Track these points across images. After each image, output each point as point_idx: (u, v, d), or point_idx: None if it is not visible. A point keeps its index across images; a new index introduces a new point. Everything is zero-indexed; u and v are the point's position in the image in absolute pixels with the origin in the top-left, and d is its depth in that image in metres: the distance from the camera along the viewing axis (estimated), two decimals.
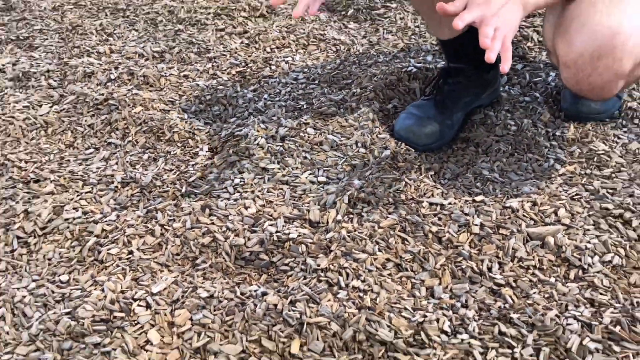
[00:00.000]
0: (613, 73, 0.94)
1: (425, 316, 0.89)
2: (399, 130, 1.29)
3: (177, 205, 1.13)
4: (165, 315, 0.90)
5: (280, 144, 1.28)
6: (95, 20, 1.92)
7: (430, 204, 1.11)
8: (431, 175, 1.18)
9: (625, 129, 1.30)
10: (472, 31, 1.26)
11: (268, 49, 1.74)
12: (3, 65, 1.65)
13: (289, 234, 1.04)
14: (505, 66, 0.89)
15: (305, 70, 1.61)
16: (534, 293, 0.93)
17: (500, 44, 0.90)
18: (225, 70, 1.63)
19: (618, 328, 0.86)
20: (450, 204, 1.11)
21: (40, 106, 1.45)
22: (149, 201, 1.15)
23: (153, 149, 1.30)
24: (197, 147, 1.31)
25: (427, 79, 1.49)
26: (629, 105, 1.36)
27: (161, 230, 1.07)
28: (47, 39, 1.82)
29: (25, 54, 1.72)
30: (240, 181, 1.18)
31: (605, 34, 0.93)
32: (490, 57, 0.88)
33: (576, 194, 1.12)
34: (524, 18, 0.99)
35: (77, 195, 1.15)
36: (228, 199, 1.14)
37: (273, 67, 1.64)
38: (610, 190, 1.12)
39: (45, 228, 1.08)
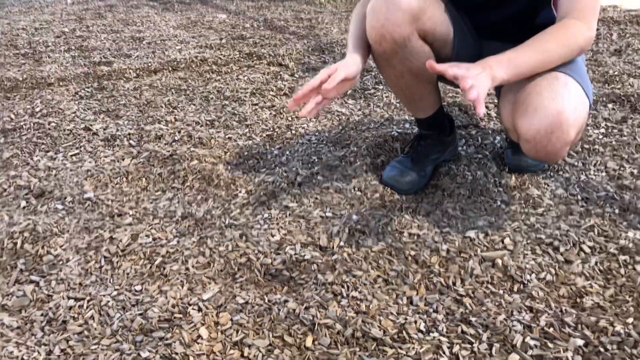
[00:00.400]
0: (563, 142, 0.93)
1: (406, 319, 0.89)
2: (385, 179, 1.29)
3: (222, 234, 1.13)
4: (212, 316, 0.90)
5: (298, 188, 1.29)
6: (164, 97, 1.95)
7: (410, 234, 1.11)
8: (410, 213, 1.19)
9: (552, 179, 1.30)
10: (437, 112, 1.30)
11: (289, 118, 1.75)
12: (97, 129, 1.67)
13: (304, 256, 1.04)
14: (479, 109, 0.85)
15: (317, 134, 1.63)
16: (488, 302, 0.92)
17: (477, 94, 0.85)
18: (258, 134, 1.64)
19: (551, 329, 0.85)
20: (424, 234, 1.11)
21: (123, 159, 1.47)
22: (202, 230, 1.15)
23: (205, 192, 1.30)
24: (237, 190, 1.31)
25: (406, 141, 1.50)
26: None
27: (210, 252, 1.07)
28: (129, 110, 1.84)
29: (113, 121, 1.75)
30: (269, 216, 1.19)
31: (554, 115, 0.91)
32: (471, 97, 0.84)
33: (517, 227, 1.11)
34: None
35: (149, 226, 1.16)
36: (259, 229, 1.14)
37: (293, 132, 1.65)
38: (543, 224, 1.12)
39: (124, 250, 1.08)
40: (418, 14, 1.06)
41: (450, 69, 0.89)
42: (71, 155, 1.50)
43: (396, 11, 1.05)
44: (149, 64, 2.33)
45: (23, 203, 1.25)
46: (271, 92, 1.97)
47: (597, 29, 2.47)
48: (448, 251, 1.04)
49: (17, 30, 3.08)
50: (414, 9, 1.05)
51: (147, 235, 1.12)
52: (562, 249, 1.03)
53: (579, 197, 1.20)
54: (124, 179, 1.37)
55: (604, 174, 1.30)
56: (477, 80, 0.89)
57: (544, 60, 0.97)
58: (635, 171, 1.29)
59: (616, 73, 1.93)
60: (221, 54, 2.45)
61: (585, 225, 1.10)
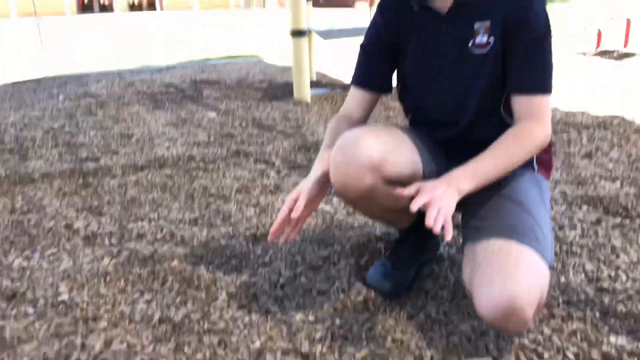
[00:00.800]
0: (522, 321, 0.92)
1: None
2: (369, 281, 1.31)
3: (200, 340, 1.12)
4: None
5: (281, 290, 1.30)
6: (149, 194, 1.99)
7: (393, 339, 1.11)
8: (393, 316, 1.19)
9: None
10: (417, 220, 1.33)
11: (274, 217, 1.79)
12: (78, 227, 1.69)
13: None
14: (448, 236, 0.92)
15: (300, 232, 1.65)
16: None
17: (443, 220, 0.92)
18: (241, 232, 1.66)
19: None
20: (407, 339, 1.11)
21: (102, 259, 1.48)
22: (179, 336, 1.13)
23: (184, 294, 1.29)
24: (218, 292, 1.30)
25: (389, 242, 1.54)
26: None
27: None
28: (112, 208, 1.87)
29: (95, 219, 1.77)
30: (249, 320, 1.18)
31: (506, 302, 0.89)
32: (436, 231, 0.92)
33: (501, 332, 1.12)
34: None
35: (124, 331, 1.14)
36: (239, 334, 1.13)
37: None
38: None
39: (96, 358, 1.05)
40: (380, 164, 1.08)
41: (415, 200, 0.94)
42: (48, 255, 1.51)
43: (356, 166, 1.07)
44: (136, 161, 2.41)
45: None
46: (257, 190, 2.03)
47: (569, 133, 2.68)
48: (432, 357, 1.04)
49: (6, 126, 3.19)
50: (375, 160, 1.07)
51: (122, 342, 1.10)
52: (546, 355, 1.04)
53: (560, 299, 1.23)
54: (102, 280, 1.36)
55: (582, 275, 1.34)
56: (442, 200, 0.96)
57: (506, 165, 1.06)
58: (612, 273, 1.34)
59: (588, 175, 2.06)
60: (209, 152, 2.55)
61: (567, 330, 1.12)
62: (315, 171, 1.17)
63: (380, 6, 1.24)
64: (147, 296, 1.29)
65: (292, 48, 3.73)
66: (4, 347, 1.07)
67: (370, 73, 1.26)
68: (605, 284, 1.29)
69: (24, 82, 5.20)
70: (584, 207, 1.77)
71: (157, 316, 1.20)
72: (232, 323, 1.17)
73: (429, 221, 0.91)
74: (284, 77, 5.08)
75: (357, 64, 1.29)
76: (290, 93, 4.12)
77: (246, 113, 3.47)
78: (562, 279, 1.33)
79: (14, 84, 5.12)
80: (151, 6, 21.69)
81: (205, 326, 1.16)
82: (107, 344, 1.09)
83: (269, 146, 2.64)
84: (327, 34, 4.29)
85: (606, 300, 1.23)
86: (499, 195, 1.09)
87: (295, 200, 1.11)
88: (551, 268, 1.38)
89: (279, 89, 4.40)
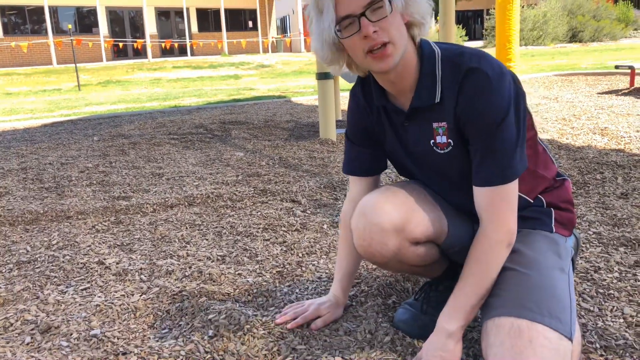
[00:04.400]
0: None
1: None
2: (397, 322, 1.30)
3: None
4: None
5: (307, 329, 1.31)
6: (178, 232, 2.06)
7: None
8: None
9: None
10: (450, 267, 1.34)
11: (300, 255, 1.82)
12: (110, 263, 1.76)
13: None
14: None
15: (327, 271, 1.67)
16: None
17: None
18: (268, 270, 1.69)
19: None
20: None
21: (133, 295, 1.52)
22: None
23: (211, 331, 1.32)
24: (244, 329, 1.30)
25: (417, 283, 1.54)
26: None
27: None
28: (142, 245, 1.94)
29: (126, 255, 1.84)
30: (276, 359, 1.19)
31: None
32: None
33: None
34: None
35: None
36: None
37: (303, 269, 1.70)
38: None
39: None
40: (403, 226, 1.09)
41: None
42: (82, 290, 1.57)
43: (379, 231, 1.08)
44: (166, 199, 2.50)
45: (28, 339, 1.29)
46: (283, 228, 2.07)
47: (602, 172, 2.64)
48: None
49: (44, 165, 3.36)
50: (397, 223, 1.08)
51: None
52: None
53: (597, 345, 1.20)
54: (132, 315, 1.40)
55: (621, 320, 1.31)
56: (446, 357, 1.03)
57: (481, 285, 1.05)
58: None
59: (625, 216, 2.03)
60: (236, 190, 2.63)
61: None
62: (334, 290, 1.36)
63: (351, 94, 1.26)
64: (175, 332, 1.31)
65: (318, 89, 3.86)
66: None
67: (361, 161, 1.27)
68: None
69: (62, 123, 5.49)
70: (621, 249, 1.74)
71: (184, 352, 1.22)
72: None
73: None
74: (310, 117, 5.21)
75: (346, 152, 1.30)
76: (316, 132, 4.22)
77: (273, 152, 3.56)
78: (600, 323, 1.29)
79: (53, 124, 5.40)
80: (182, 51, 22.73)
81: None
82: None
83: (295, 185, 2.69)
84: (350, 77, 4.41)
85: None
86: (510, 266, 1.07)
87: (302, 312, 1.31)
88: (588, 311, 1.35)
89: (305, 129, 4.51)
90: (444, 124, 1.09)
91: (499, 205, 1.05)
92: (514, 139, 1.04)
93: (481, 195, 1.07)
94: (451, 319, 1.05)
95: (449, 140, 1.10)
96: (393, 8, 1.00)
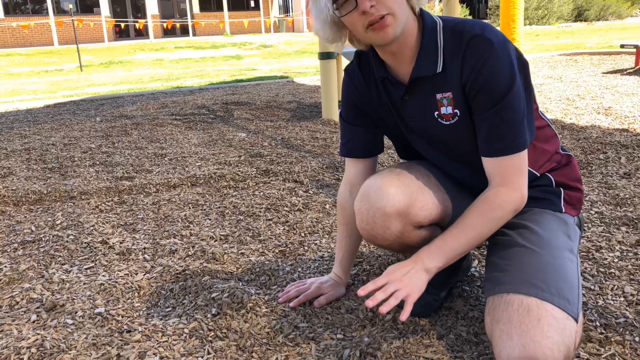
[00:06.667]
0: None
1: None
2: None
3: (230, 356, 1.14)
4: None
5: (309, 307, 1.32)
6: (181, 212, 2.06)
7: (423, 358, 1.11)
8: (423, 336, 1.19)
9: None
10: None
11: (302, 234, 1.82)
12: (113, 243, 1.76)
13: None
14: (403, 316, 0.96)
15: (329, 250, 1.68)
16: None
17: (397, 300, 0.97)
18: (271, 249, 1.70)
19: None
20: (438, 358, 1.10)
21: (137, 274, 1.53)
22: (210, 351, 1.16)
23: (214, 309, 1.32)
24: (247, 308, 1.32)
25: None
26: None
27: None
28: (146, 224, 1.95)
29: (130, 235, 1.85)
30: (278, 336, 1.20)
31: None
32: (402, 317, 0.96)
33: None
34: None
35: (157, 343, 1.18)
36: (266, 350, 1.15)
37: (306, 248, 1.71)
38: None
39: None
40: (407, 210, 1.08)
41: (366, 286, 0.99)
42: (86, 269, 1.57)
43: (382, 215, 1.08)
44: (169, 180, 2.49)
45: (34, 317, 1.30)
46: (285, 208, 2.07)
47: (605, 152, 2.62)
48: None
49: (47, 146, 3.36)
50: (400, 207, 1.07)
51: (155, 354, 1.14)
52: None
53: (598, 323, 1.20)
54: (136, 294, 1.41)
55: (622, 299, 1.31)
56: (402, 282, 0.99)
57: (474, 237, 1.04)
58: None
59: (627, 196, 2.01)
60: (239, 170, 2.62)
61: (605, 354, 1.09)
62: (333, 271, 1.37)
63: (346, 73, 1.23)
64: (178, 310, 1.32)
65: (321, 70, 3.81)
66: (44, 355, 1.13)
67: (356, 142, 1.25)
68: None
69: (64, 104, 5.47)
70: (623, 229, 1.73)
71: (187, 330, 1.23)
72: (261, 338, 1.19)
73: (368, 302, 0.96)
74: (313, 97, 5.17)
75: (341, 135, 1.28)
76: (319, 113, 4.19)
77: (275, 133, 3.54)
78: (600, 302, 1.30)
79: (55, 105, 5.38)
80: (184, 31, 22.49)
81: (236, 342, 1.19)
82: (141, 355, 1.13)
83: (297, 165, 2.68)
84: (351, 55, 4.36)
85: None
86: (520, 243, 1.06)
87: (304, 291, 1.33)
88: (589, 290, 1.35)
89: (307, 109, 4.48)
90: (449, 94, 1.07)
91: (512, 172, 1.05)
92: (522, 106, 1.03)
93: (492, 164, 1.06)
94: (433, 257, 1.03)
95: (455, 110, 1.08)
96: None
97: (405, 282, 0.99)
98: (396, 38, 1.03)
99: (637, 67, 5.95)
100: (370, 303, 0.95)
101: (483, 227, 1.05)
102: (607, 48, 8.95)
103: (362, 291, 0.98)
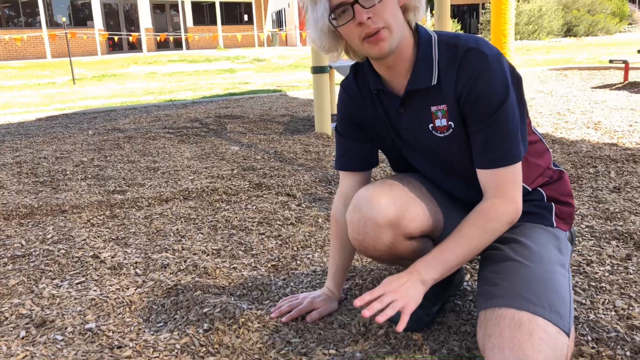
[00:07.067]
0: None
1: None
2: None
3: None
4: None
5: (301, 322, 1.31)
6: (173, 226, 2.06)
7: None
8: (415, 351, 1.19)
9: None
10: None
11: (295, 248, 1.82)
12: (105, 257, 1.75)
13: None
14: (400, 326, 0.95)
15: (321, 264, 1.68)
16: None
17: (393, 311, 0.96)
18: (263, 264, 1.69)
19: None
20: None
21: (128, 289, 1.52)
22: None
23: (206, 324, 1.32)
24: (239, 323, 1.31)
25: None
26: None
27: None
28: (138, 239, 1.94)
29: (121, 249, 1.83)
30: (271, 351, 1.19)
31: None
32: (398, 328, 0.95)
33: None
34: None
35: (148, 359, 1.17)
36: None
37: (298, 262, 1.70)
38: None
39: None
40: (397, 221, 1.09)
41: (362, 297, 0.98)
42: (77, 283, 1.56)
43: (373, 226, 1.08)
44: (162, 193, 2.49)
45: (23, 333, 1.28)
46: (278, 222, 2.07)
47: (595, 166, 2.65)
48: None
49: (39, 159, 3.34)
50: (392, 218, 1.08)
51: None
52: None
53: (589, 337, 1.21)
54: (127, 309, 1.40)
55: (613, 313, 1.32)
56: (399, 293, 0.99)
57: (470, 248, 1.05)
58: None
59: (617, 210, 2.04)
60: (232, 184, 2.62)
61: None
62: (328, 285, 1.37)
63: (342, 87, 1.25)
64: (170, 325, 1.31)
65: (314, 83, 3.84)
66: None
67: (351, 155, 1.26)
68: (637, 322, 1.27)
69: (57, 117, 5.46)
70: (613, 243, 1.75)
71: (179, 345, 1.22)
72: (254, 354, 1.18)
73: (364, 312, 0.95)
74: (306, 111, 5.20)
75: (337, 148, 1.30)
76: (312, 126, 4.21)
77: (268, 146, 3.55)
78: (592, 316, 1.30)
79: (47, 118, 5.37)
80: (178, 45, 22.59)
81: (228, 357, 1.18)
82: None
83: (290, 179, 2.69)
84: (344, 70, 4.40)
85: (637, 338, 1.20)
86: (512, 257, 1.06)
87: (296, 305, 1.33)
88: (580, 304, 1.36)
89: (300, 123, 4.50)
90: (444, 107, 1.08)
91: (507, 184, 1.06)
92: (516, 119, 1.04)
93: (486, 176, 1.07)
94: (429, 269, 1.03)
95: (450, 122, 1.09)
96: None
97: (402, 293, 0.99)
98: (392, 52, 1.05)
99: (626, 82, 6.05)
100: (367, 313, 0.95)
101: (479, 239, 1.05)
102: (597, 63, 9.10)
103: (358, 301, 0.98)
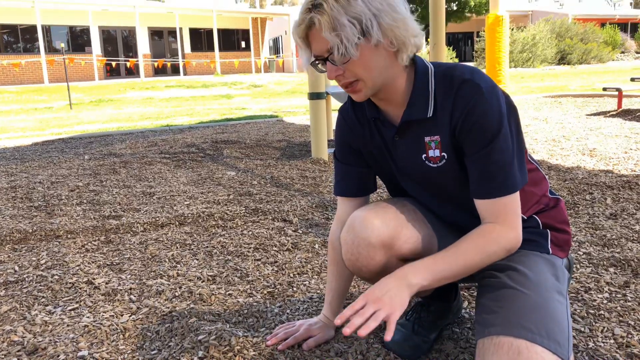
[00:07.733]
0: None
1: None
2: (388, 343, 1.30)
3: None
4: None
5: (298, 350, 1.31)
6: (168, 252, 2.05)
7: None
8: None
9: None
10: (440, 288, 1.34)
11: (291, 275, 1.81)
12: (99, 283, 1.74)
13: None
14: (388, 335, 0.93)
15: (318, 291, 1.67)
16: None
17: (376, 322, 0.92)
18: (259, 290, 1.69)
19: None
20: None
21: (122, 315, 1.51)
22: None
23: (201, 352, 1.31)
24: (235, 350, 1.30)
25: (410, 304, 1.53)
26: None
27: None
28: (132, 264, 1.93)
29: (116, 275, 1.83)
30: None
31: None
32: (386, 337, 0.92)
33: None
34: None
35: None
36: None
37: (295, 289, 1.70)
38: None
39: None
40: (391, 242, 1.09)
41: (343, 313, 0.96)
42: (70, 310, 1.55)
43: (366, 246, 1.09)
44: (157, 219, 2.49)
45: None
46: (274, 248, 2.06)
47: (592, 193, 2.68)
48: None
49: (34, 184, 3.35)
50: (385, 239, 1.09)
51: None
52: None
53: None
54: (121, 336, 1.39)
55: (612, 341, 1.31)
56: (382, 301, 0.96)
57: (464, 264, 1.04)
58: None
59: (614, 237, 2.05)
60: (228, 209, 2.62)
61: None
62: (324, 312, 1.37)
63: (340, 112, 1.28)
64: (164, 353, 1.30)
65: (310, 109, 3.89)
66: None
67: (349, 181, 1.28)
68: (636, 350, 1.26)
69: (53, 141, 5.48)
70: (611, 270, 1.75)
71: None
72: None
73: (345, 330, 0.92)
74: (302, 136, 5.24)
75: (335, 174, 1.31)
76: (308, 152, 4.25)
77: (265, 171, 3.57)
78: (591, 344, 1.30)
79: (43, 142, 5.39)
80: (175, 71, 22.88)
81: None
82: None
83: (286, 204, 2.70)
84: (342, 97, 4.47)
85: None
86: (510, 284, 1.06)
87: (293, 333, 1.32)
88: (579, 332, 1.36)
89: (297, 148, 4.53)
90: (437, 138, 1.10)
91: (505, 213, 1.06)
92: (511, 149, 1.06)
93: (484, 206, 1.08)
94: (418, 274, 1.01)
95: (443, 153, 1.11)
96: (359, 50, 1.01)
97: (385, 301, 0.96)
98: (376, 92, 1.08)
99: (620, 109, 6.15)
100: (347, 331, 0.91)
101: (474, 257, 1.05)
102: (590, 90, 9.26)
103: (339, 320, 0.96)
